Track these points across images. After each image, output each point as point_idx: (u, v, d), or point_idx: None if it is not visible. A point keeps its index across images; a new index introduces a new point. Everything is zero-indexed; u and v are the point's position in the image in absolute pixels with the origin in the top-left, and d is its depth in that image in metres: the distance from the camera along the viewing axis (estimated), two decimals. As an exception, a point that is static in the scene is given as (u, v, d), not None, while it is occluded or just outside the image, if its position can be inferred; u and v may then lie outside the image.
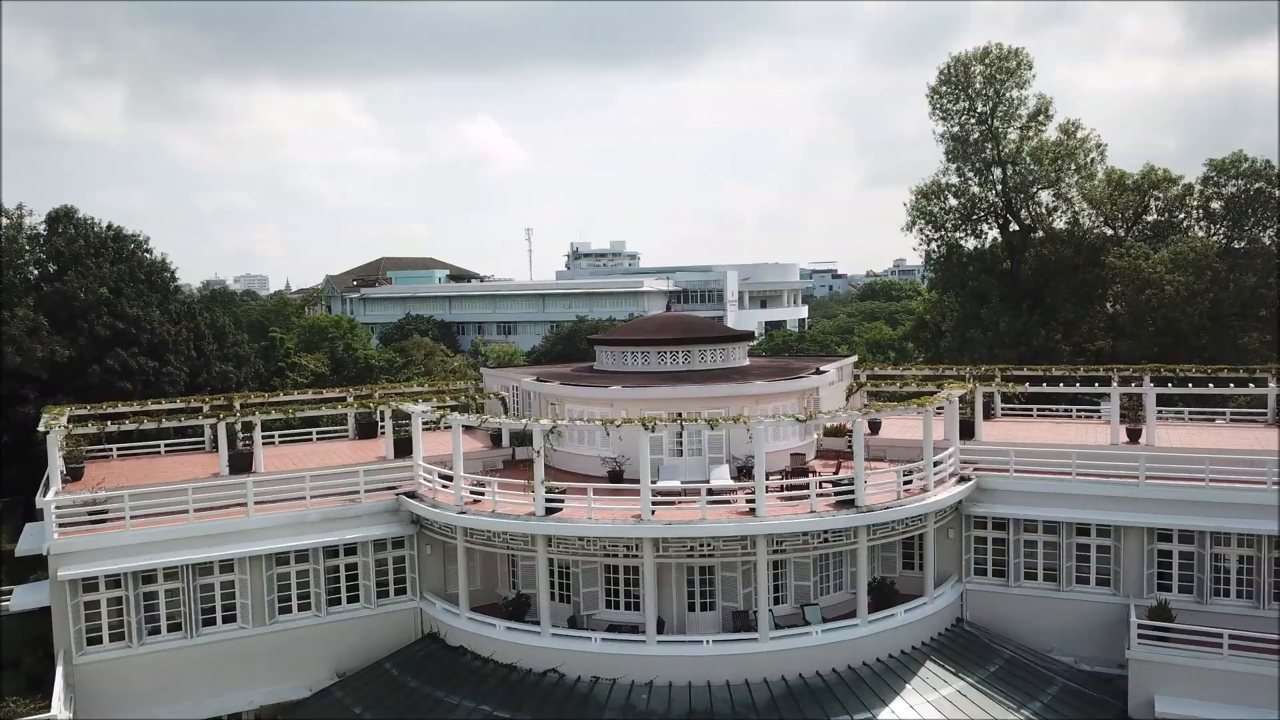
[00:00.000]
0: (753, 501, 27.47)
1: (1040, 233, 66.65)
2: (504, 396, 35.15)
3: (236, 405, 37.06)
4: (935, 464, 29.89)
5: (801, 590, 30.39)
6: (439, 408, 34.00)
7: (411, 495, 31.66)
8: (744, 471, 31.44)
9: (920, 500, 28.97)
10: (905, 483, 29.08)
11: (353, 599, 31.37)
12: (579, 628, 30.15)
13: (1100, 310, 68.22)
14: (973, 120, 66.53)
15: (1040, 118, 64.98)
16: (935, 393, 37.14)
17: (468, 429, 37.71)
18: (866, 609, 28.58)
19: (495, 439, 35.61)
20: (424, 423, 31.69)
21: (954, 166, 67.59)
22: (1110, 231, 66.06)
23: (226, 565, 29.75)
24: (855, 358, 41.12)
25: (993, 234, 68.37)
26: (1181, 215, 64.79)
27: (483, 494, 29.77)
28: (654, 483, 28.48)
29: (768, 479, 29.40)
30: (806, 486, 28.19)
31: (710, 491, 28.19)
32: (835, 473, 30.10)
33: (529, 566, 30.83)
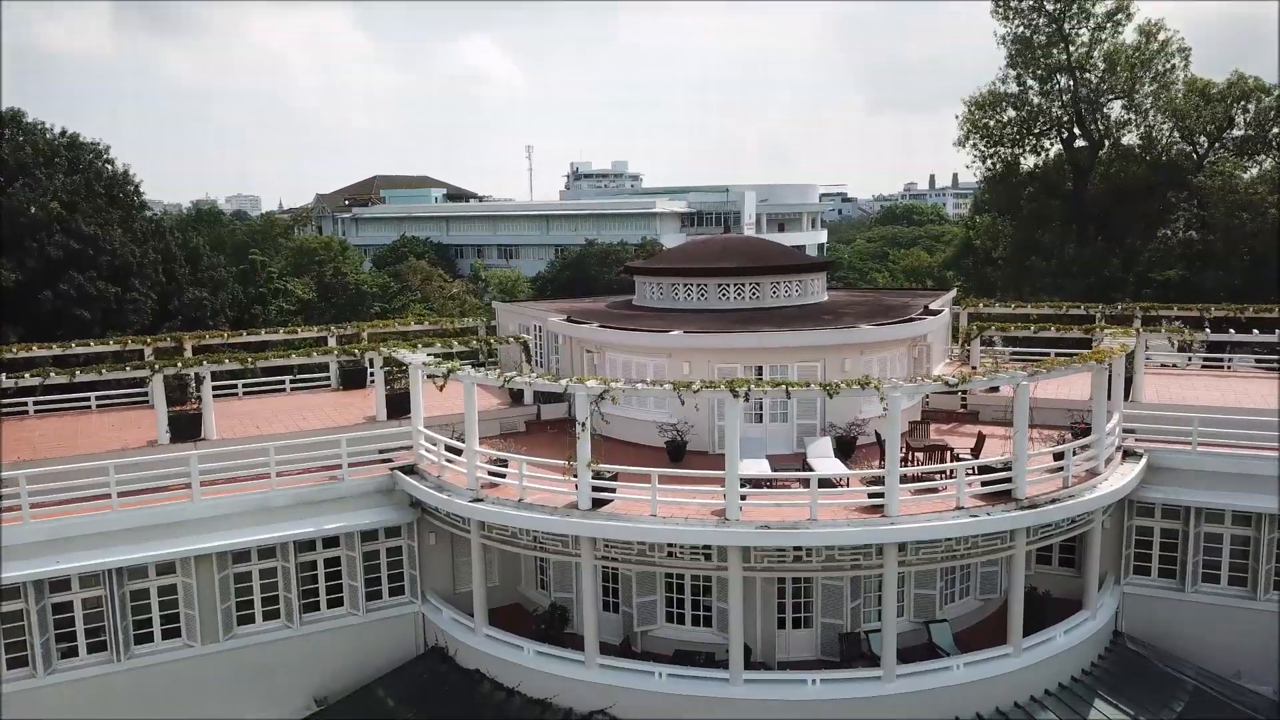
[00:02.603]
0: (877, 496, 19.46)
1: (1110, 149, 58.13)
2: (525, 340, 27.00)
3: (187, 348, 28.76)
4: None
5: (923, 602, 22.62)
6: (442, 355, 25.74)
7: (410, 470, 23.62)
8: (844, 445, 23.40)
9: (1095, 491, 21.00)
10: (1058, 464, 21.06)
11: (335, 603, 23.52)
12: (632, 649, 22.39)
13: (1171, 237, 60.06)
14: (1041, 20, 57.56)
15: (1118, 17, 56.03)
16: (1065, 339, 29.24)
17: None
18: (1020, 632, 20.81)
19: (515, 395, 27.46)
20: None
21: (1014, 74, 58.82)
22: (1189, 148, 57.39)
23: (165, 567, 21.82)
24: (954, 291, 32.91)
25: (1055, 150, 59.84)
26: (1276, 131, 55.96)
27: (504, 474, 21.72)
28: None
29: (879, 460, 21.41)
30: (951, 473, 20.16)
31: (810, 474, 20.19)
32: (976, 448, 22.04)
33: (565, 565, 22.99)
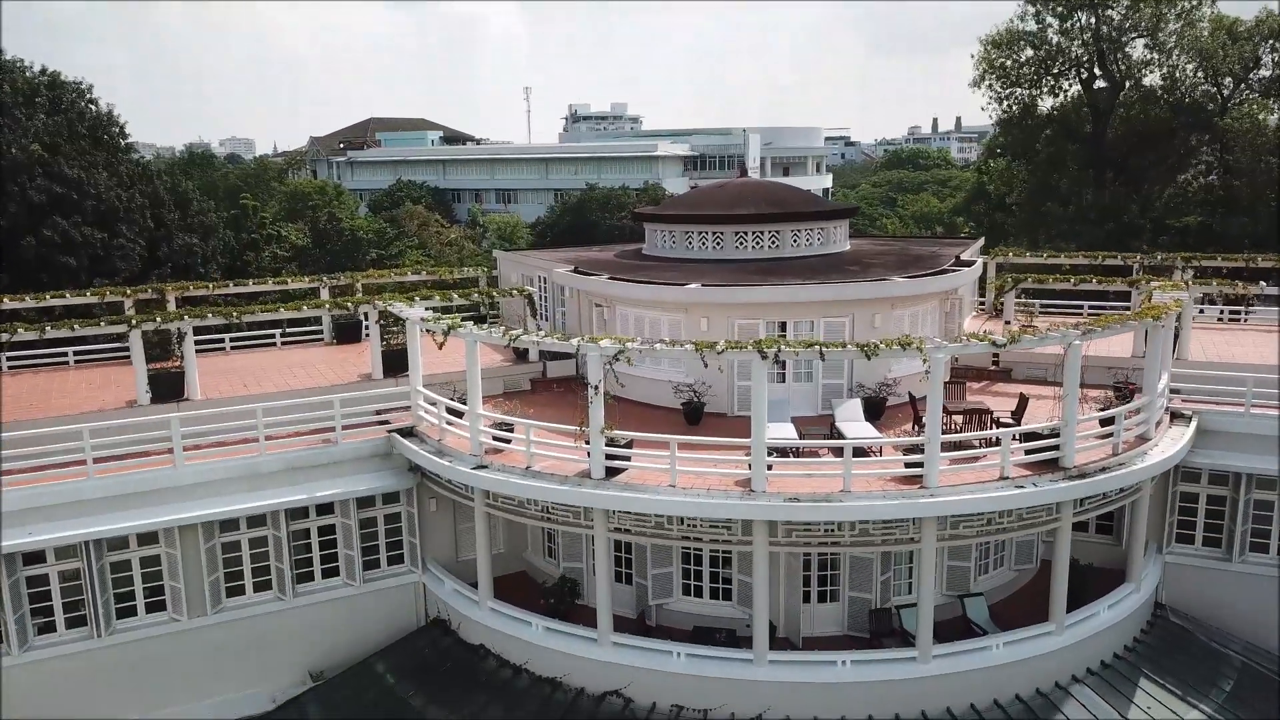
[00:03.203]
0: (915, 466, 17.80)
1: (1130, 90, 55.76)
2: (530, 293, 25.19)
3: (170, 300, 26.91)
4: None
5: (957, 574, 21.11)
6: (441, 309, 23.94)
7: (408, 433, 21.97)
8: (873, 407, 21.73)
9: (1147, 459, 19.37)
10: (1106, 429, 19.38)
11: (330, 574, 22.01)
12: (646, 623, 20.94)
13: (1191, 182, 58.03)
14: (1063, -48, 54.95)
15: (1143, -52, 53.39)
16: (1104, 292, 27.45)
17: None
18: (1064, 609, 19.31)
19: (520, 351, 25.70)
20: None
21: (1034, 11, 56.27)
22: (1214, 89, 55.00)
23: (148, 537, 20.24)
24: (980, 241, 30.90)
25: (1074, 91, 57.43)
26: (1306, 71, 53.54)
27: (509, 440, 20.04)
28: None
29: (919, 427, 19.78)
30: (995, 441, 18.50)
31: (843, 442, 18.56)
32: (1018, 412, 20.35)
33: (576, 535, 21.43)
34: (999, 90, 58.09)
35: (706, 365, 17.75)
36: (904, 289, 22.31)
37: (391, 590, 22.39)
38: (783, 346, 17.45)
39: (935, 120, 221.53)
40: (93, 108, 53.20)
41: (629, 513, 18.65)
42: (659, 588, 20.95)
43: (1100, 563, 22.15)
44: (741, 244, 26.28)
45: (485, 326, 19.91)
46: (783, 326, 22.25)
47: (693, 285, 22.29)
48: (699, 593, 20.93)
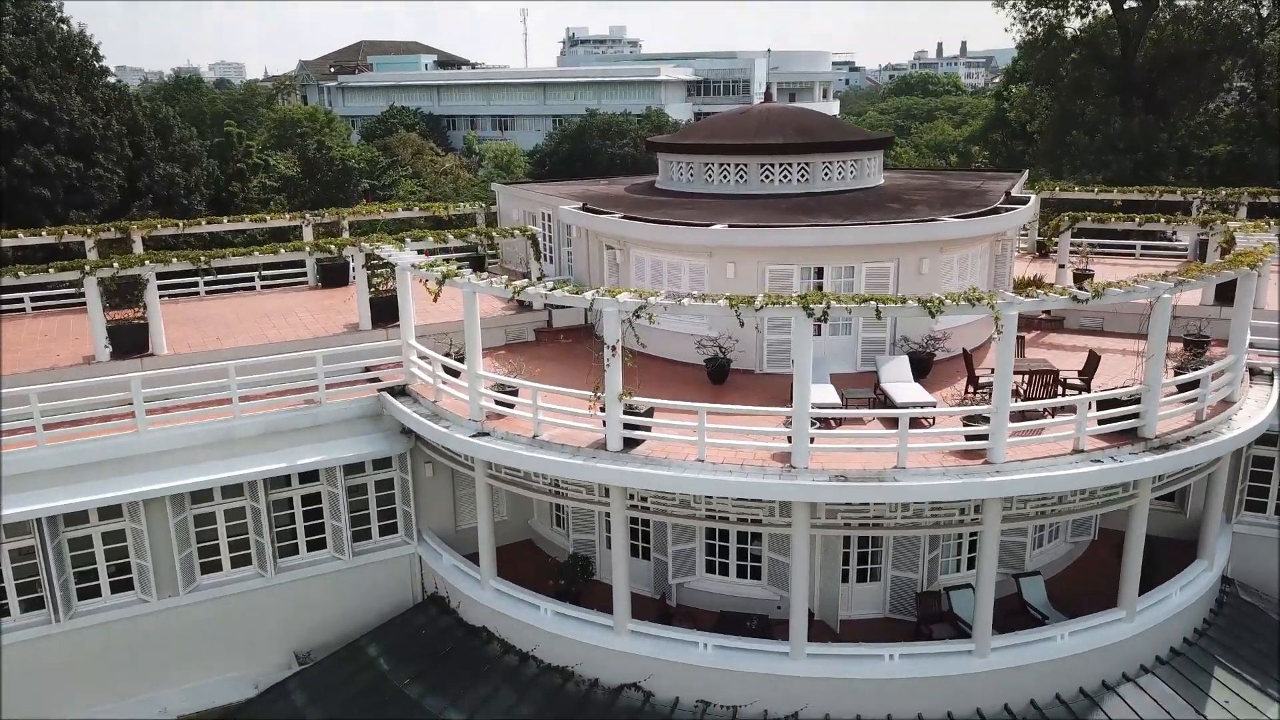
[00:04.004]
0: (979, 438, 15.39)
1: (1163, 10, 52.25)
2: (534, 234, 22.46)
3: (136, 240, 24.19)
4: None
5: (1011, 550, 18.87)
6: (436, 250, 21.31)
7: (400, 392, 19.55)
8: (919, 363, 19.24)
9: (1234, 427, 16.96)
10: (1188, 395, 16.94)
11: (316, 546, 19.76)
12: (667, 604, 18.76)
13: (1222, 109, 54.85)
14: None
15: None
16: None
17: (478, 268, 25.40)
18: (1135, 594, 17.10)
19: (522, 295, 23.12)
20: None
21: (1063, -76, 52.54)
22: (1252, 9, 51.51)
23: (110, 511, 17.92)
24: (1025, 174, 27.96)
25: (1103, 10, 53.84)
26: (1352, -12, 50.00)
27: (513, 404, 17.58)
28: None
29: (974, 387, 17.37)
30: (1068, 408, 16.07)
31: (899, 412, 16.20)
32: (1087, 371, 17.85)
33: (588, 510, 19.11)
34: (1024, 10, 54.50)
35: (743, 324, 15.21)
36: (957, 230, 19.66)
37: (384, 564, 20.17)
38: (832, 303, 14.88)
39: (940, 45, 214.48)
40: (63, 28, 49.50)
41: (650, 489, 16.27)
42: (680, 565, 18.73)
43: (1162, 532, 19.94)
44: (768, 177, 23.52)
45: (485, 276, 17.30)
46: (819, 273, 19.68)
47: (718, 226, 19.62)
48: (725, 570, 18.73)
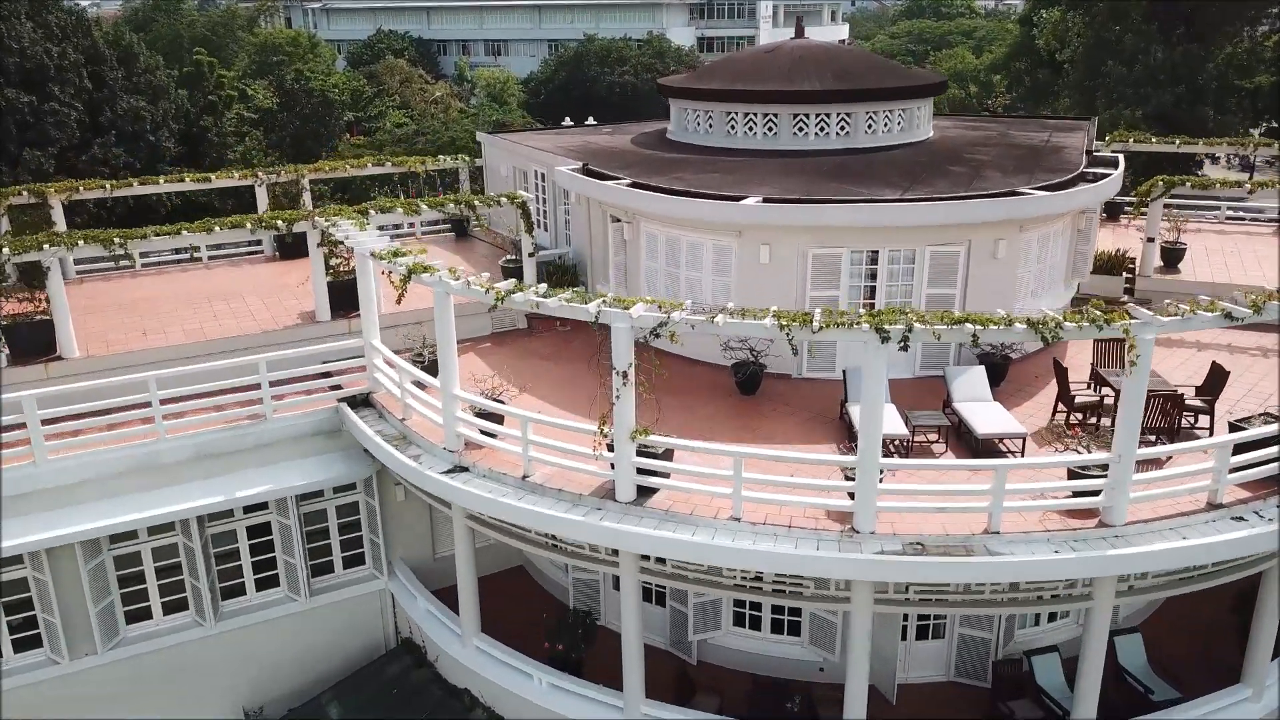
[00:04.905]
0: (1089, 493, 11.76)
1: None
2: (524, 201, 18.50)
3: (54, 204, 20.14)
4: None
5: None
6: (399, 244, 17.39)
7: (362, 403, 15.88)
8: (994, 371, 15.51)
9: None
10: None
11: (267, 584, 16.28)
12: (686, 667, 15.35)
13: (1270, 36, 50.19)
14: None
15: None
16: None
17: (461, 235, 21.50)
18: (1265, 666, 13.68)
19: (511, 274, 19.30)
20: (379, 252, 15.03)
21: None
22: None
23: (9, 559, 14.37)
24: (1091, 123, 23.74)
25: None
26: None
27: (499, 425, 13.88)
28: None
29: (1069, 409, 13.72)
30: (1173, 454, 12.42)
31: (994, 464, 12.61)
32: (1208, 390, 14.10)
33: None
34: (1056, -73, 49.42)
35: (796, 352, 11.46)
36: (1045, 206, 15.74)
37: (348, 603, 16.69)
38: (915, 324, 11.10)
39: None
40: (9, -55, 44.35)
41: (670, 555, 12.66)
42: (703, 618, 15.25)
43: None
44: (802, 130, 19.48)
45: (459, 274, 13.39)
46: (873, 257, 15.83)
47: (751, 200, 15.69)
48: (757, 625, 15.28)
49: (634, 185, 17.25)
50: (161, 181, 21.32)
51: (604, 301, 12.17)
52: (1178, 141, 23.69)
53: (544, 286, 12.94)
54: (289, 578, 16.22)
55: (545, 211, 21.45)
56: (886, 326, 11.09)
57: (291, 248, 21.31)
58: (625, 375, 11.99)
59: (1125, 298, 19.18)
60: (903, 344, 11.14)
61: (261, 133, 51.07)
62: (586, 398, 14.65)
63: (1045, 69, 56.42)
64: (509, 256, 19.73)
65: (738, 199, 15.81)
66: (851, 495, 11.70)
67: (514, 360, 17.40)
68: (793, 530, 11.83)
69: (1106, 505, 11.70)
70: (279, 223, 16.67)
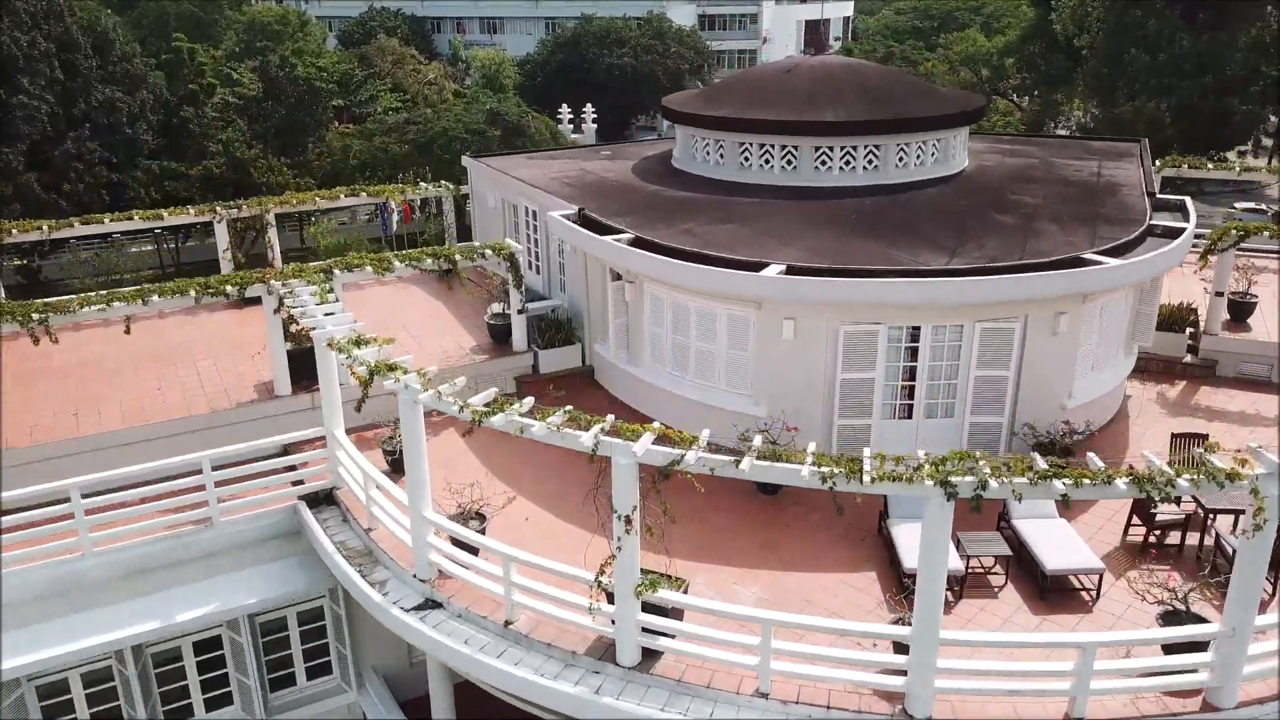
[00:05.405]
0: (1188, 669, 9.53)
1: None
2: (513, 252, 16.01)
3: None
4: None
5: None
6: (374, 284, 15.02)
7: (325, 500, 13.63)
8: (1062, 452, 13.22)
9: None
10: None
11: (218, 703, 14.10)
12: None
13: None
14: None
15: None
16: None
17: (446, 270, 19.11)
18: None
19: (497, 331, 16.95)
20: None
21: None
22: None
23: (-97, 697, 12.17)
24: (1141, 145, 21.03)
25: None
26: None
27: (474, 565, 11.60)
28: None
29: (1153, 536, 11.47)
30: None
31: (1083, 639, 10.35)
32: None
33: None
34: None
35: (840, 511, 9.17)
36: (1118, 276, 13.33)
37: (314, 721, 14.55)
38: (989, 480, 8.77)
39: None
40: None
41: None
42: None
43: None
44: (825, 163, 17.05)
45: (428, 378, 11.02)
46: (914, 333, 13.48)
47: (772, 270, 13.29)
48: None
49: (636, 242, 14.82)
50: (107, 221, 18.75)
51: (602, 429, 9.83)
52: (1238, 168, 21.15)
53: (528, 402, 10.58)
54: (243, 697, 14.04)
55: (537, 254, 19.03)
56: (954, 480, 8.78)
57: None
58: (629, 520, 9.69)
59: (1188, 357, 16.83)
60: (974, 504, 8.82)
61: (245, 123, 48.27)
62: (583, 492, 12.35)
63: (1060, 53, 53.59)
64: (496, 309, 17.32)
65: (757, 266, 13.41)
66: (904, 672, 9.47)
67: (500, 441, 15.00)
68: (831, 712, 9.60)
69: (1214, 686, 9.48)
70: (227, 288, 14.25)
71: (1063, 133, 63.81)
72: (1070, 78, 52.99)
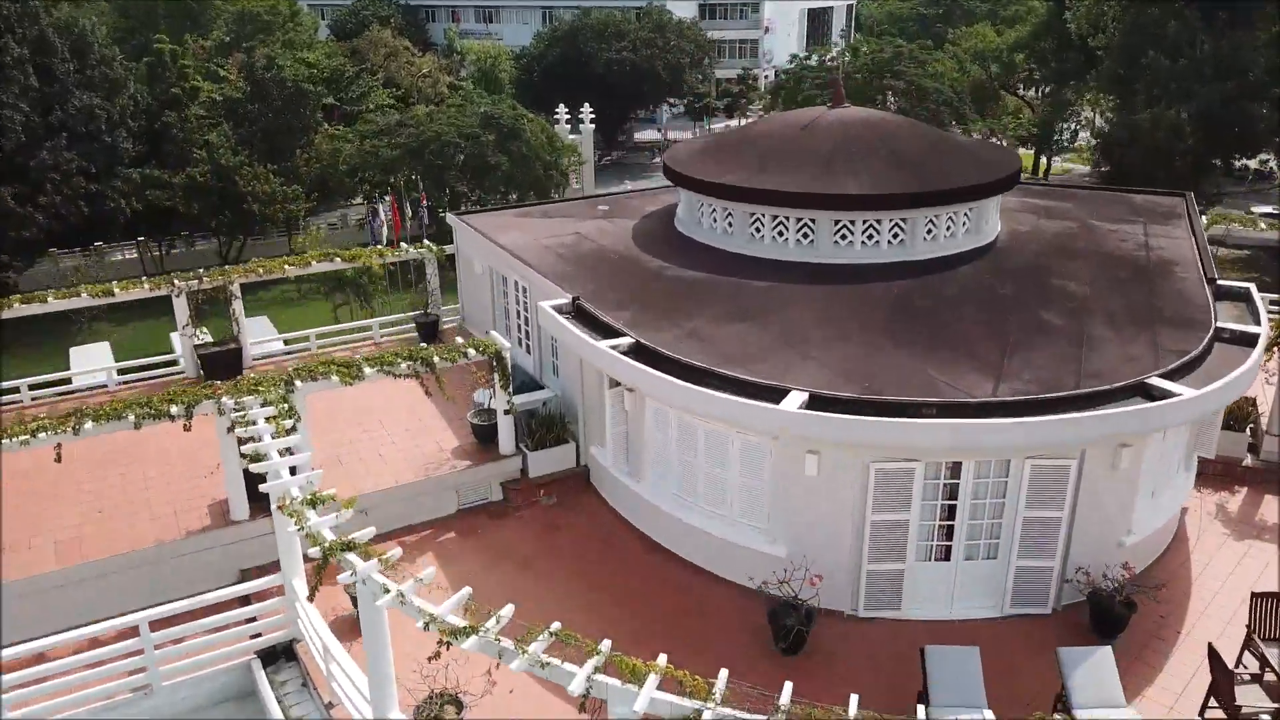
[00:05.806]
0: None
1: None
2: (499, 351, 14.11)
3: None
4: None
5: None
6: (350, 352, 13.19)
7: (284, 654, 11.87)
8: (1107, 621, 11.49)
9: None
10: None
11: None
12: None
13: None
14: None
15: None
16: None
17: (430, 338, 17.04)
18: None
19: (481, 428, 15.11)
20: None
21: None
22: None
23: None
24: (1188, 199, 18.95)
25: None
26: None
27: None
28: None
29: (1220, 702, 9.71)
30: None
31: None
32: None
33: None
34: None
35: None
36: (1194, 408, 11.49)
37: None
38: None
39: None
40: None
41: None
42: None
43: None
44: (845, 237, 15.18)
45: (391, 562, 9.18)
46: (955, 470, 11.65)
47: (793, 399, 11.41)
48: None
49: (636, 348, 12.94)
50: (50, 299, 16.78)
51: (595, 665, 8.02)
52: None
53: (509, 646, 8.75)
54: None
55: (527, 331, 17.13)
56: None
57: (219, 365, 17.00)
58: (628, 779, 7.92)
59: (1249, 459, 15.02)
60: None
61: (230, 126, 46.07)
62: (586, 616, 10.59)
63: (1074, 51, 51.25)
64: (480, 401, 15.47)
65: (774, 392, 11.54)
66: None
67: (484, 568, 13.27)
68: None
69: None
70: (171, 409, 12.37)
71: (1082, 135, 61.51)
72: (1083, 75, 50.72)
